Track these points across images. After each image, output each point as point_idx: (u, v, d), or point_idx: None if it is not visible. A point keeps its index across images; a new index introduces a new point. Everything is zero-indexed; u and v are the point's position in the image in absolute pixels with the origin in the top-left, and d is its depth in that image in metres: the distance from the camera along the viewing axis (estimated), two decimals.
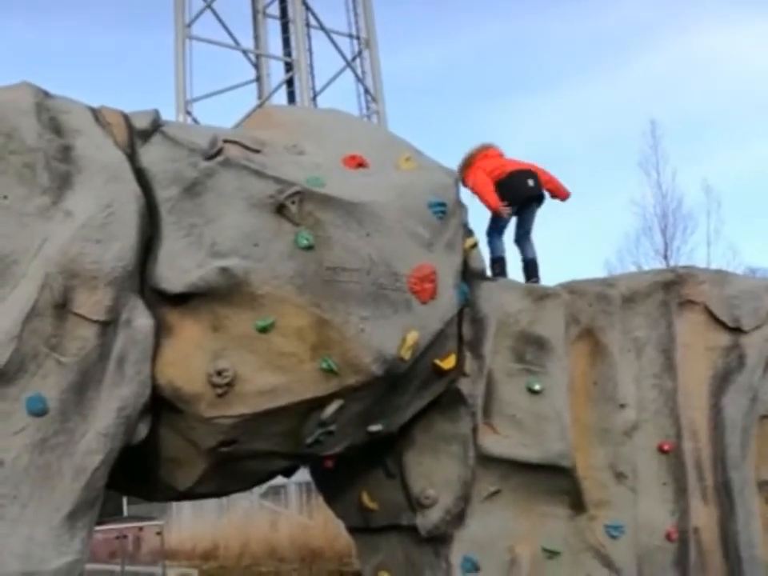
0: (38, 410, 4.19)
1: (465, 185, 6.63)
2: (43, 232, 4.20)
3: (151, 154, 4.63)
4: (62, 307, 4.21)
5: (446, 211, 5.39)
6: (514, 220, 6.81)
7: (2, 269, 4.20)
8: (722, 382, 6.25)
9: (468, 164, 6.81)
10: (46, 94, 4.32)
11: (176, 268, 4.57)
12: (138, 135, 4.59)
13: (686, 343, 6.16)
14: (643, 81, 46.00)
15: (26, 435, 4.14)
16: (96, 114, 4.52)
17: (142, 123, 4.62)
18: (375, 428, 5.42)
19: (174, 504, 16.53)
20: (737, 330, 6.29)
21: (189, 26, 21.96)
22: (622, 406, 6.03)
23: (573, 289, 6.14)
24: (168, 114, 4.77)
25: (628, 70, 47.14)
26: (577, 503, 5.97)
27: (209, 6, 22.32)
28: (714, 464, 6.23)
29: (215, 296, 4.61)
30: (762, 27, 48.42)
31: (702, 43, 44.74)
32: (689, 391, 6.20)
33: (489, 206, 6.55)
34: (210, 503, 15.68)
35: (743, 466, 6.24)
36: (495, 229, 6.72)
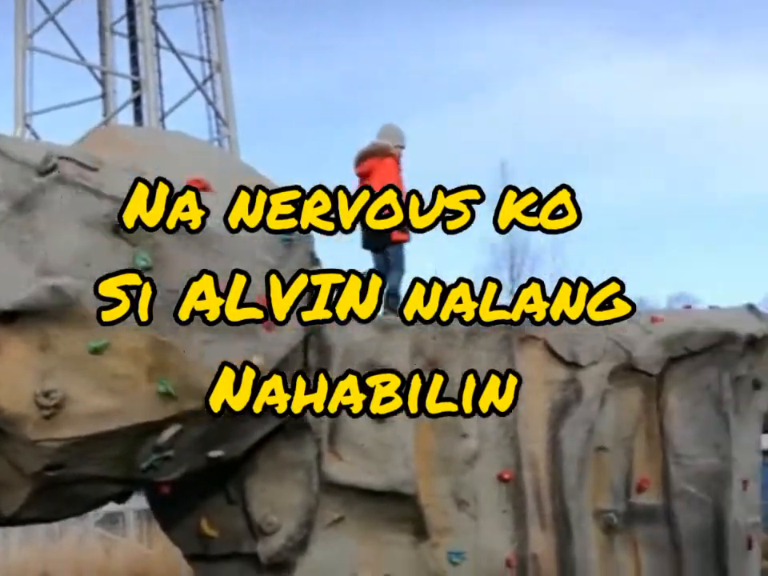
0: None
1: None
2: None
3: None
4: None
5: (293, 239, 5.43)
6: None
7: None
8: (560, 414, 6.47)
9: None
10: None
11: (4, 285, 4.44)
12: None
13: (525, 377, 6.35)
14: (497, 119, 46.99)
15: None
16: None
17: None
18: (215, 454, 5.36)
19: (0, 530, 15.55)
20: (574, 365, 6.55)
21: (31, 36, 21.08)
22: (464, 435, 6.17)
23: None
24: (5, 127, 4.62)
25: (484, 107, 48.03)
26: (420, 530, 6.05)
27: (52, 18, 21.46)
28: (552, 493, 6.41)
29: (45, 315, 4.50)
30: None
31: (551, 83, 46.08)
32: (528, 422, 6.38)
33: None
34: (40, 529, 14.84)
35: (580, 495, 6.45)
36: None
